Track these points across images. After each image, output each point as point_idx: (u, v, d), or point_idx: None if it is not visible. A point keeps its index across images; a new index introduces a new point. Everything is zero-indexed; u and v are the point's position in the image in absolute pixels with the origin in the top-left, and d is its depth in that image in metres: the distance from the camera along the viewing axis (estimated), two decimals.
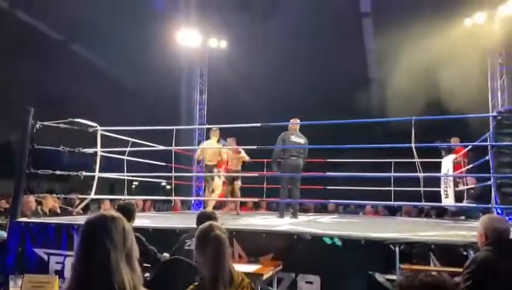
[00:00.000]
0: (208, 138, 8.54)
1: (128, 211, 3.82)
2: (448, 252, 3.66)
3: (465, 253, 3.53)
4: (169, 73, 12.40)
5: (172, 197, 8.94)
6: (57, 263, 4.82)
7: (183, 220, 5.81)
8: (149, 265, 3.80)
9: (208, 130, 11.08)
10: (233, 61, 12.34)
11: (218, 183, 7.72)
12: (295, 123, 6.81)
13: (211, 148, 7.81)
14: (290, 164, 6.54)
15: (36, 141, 5.59)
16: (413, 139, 5.27)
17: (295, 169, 6.58)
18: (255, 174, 7.49)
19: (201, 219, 3.42)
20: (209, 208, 7.43)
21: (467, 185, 7.64)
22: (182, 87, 12.79)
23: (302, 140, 6.76)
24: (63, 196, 7.08)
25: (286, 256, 4.07)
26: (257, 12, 12.08)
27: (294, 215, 6.64)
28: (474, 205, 7.14)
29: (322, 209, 10.91)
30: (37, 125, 5.55)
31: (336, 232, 4.26)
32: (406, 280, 1.08)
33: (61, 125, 5.96)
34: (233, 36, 11.61)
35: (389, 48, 10.67)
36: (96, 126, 6.50)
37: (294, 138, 6.65)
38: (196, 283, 2.12)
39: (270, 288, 3.89)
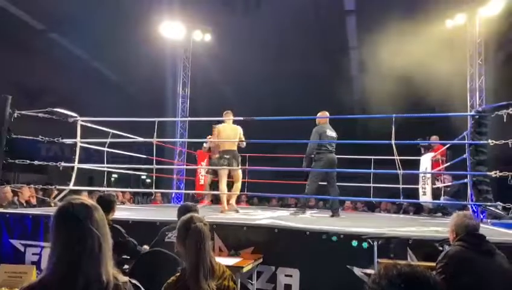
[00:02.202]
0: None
1: (108, 203, 3.80)
2: (425, 247, 3.73)
3: (441, 248, 3.61)
4: (153, 65, 12.28)
5: (153, 190, 8.87)
6: (33, 254, 4.74)
7: (164, 213, 5.79)
8: (128, 257, 3.78)
9: (191, 122, 11.12)
10: (217, 55, 12.28)
11: (239, 172, 6.86)
12: (325, 117, 6.50)
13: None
14: (328, 158, 6.22)
15: (14, 131, 5.48)
16: (393, 136, 5.35)
17: (332, 164, 6.28)
18: (237, 168, 7.47)
19: (182, 211, 3.41)
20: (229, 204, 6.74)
21: (444, 182, 7.80)
22: (166, 80, 12.69)
23: (335, 134, 6.47)
24: (40, 186, 6.94)
25: (266, 249, 4.10)
26: (241, 6, 12.03)
27: (335, 214, 6.36)
28: (451, 202, 7.30)
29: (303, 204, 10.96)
30: (15, 114, 5.44)
31: (316, 227, 4.31)
32: (385, 269, 1.10)
33: (40, 114, 5.84)
34: (217, 29, 11.54)
35: (371, 46, 10.78)
36: (76, 116, 6.40)
37: (329, 132, 6.35)
38: (177, 274, 2.13)
39: (250, 281, 3.92)
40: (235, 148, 6.69)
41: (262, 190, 9.65)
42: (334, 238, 3.91)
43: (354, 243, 3.83)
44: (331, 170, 6.25)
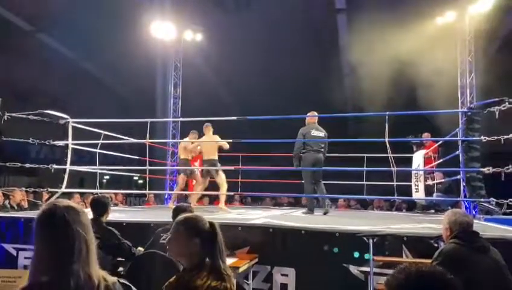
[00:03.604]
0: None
1: (103, 205, 3.76)
2: (420, 244, 3.75)
3: (435, 245, 3.63)
4: (144, 66, 12.19)
5: (147, 191, 8.82)
6: (26, 258, 4.68)
7: (157, 214, 5.76)
8: (123, 259, 3.74)
9: (183, 123, 11.07)
10: (209, 54, 12.23)
11: (223, 177, 7.30)
12: (313, 116, 6.65)
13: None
14: (311, 158, 6.39)
15: (4, 133, 5.43)
16: (386, 134, 5.37)
17: (316, 163, 6.42)
18: (231, 167, 7.48)
19: (177, 212, 3.39)
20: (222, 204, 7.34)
21: (435, 179, 7.85)
22: (157, 80, 12.61)
23: (322, 133, 6.58)
24: (32, 189, 6.87)
25: (262, 249, 4.09)
26: (232, 5, 12.00)
27: (326, 212, 6.55)
28: (444, 198, 7.35)
29: (296, 203, 11.01)
30: (5, 117, 5.38)
31: (311, 226, 4.31)
32: (405, 268, 1.09)
33: (30, 116, 5.78)
34: (208, 29, 11.50)
35: (362, 44, 10.81)
36: (68, 118, 6.35)
37: (314, 132, 6.49)
38: (178, 275, 2.10)
39: (246, 281, 3.90)
40: (215, 157, 7.29)
41: (255, 189, 9.65)
42: (336, 249, 3.89)
43: (356, 254, 3.82)
44: (328, 169, 6.30)
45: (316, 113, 6.69)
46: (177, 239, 2.10)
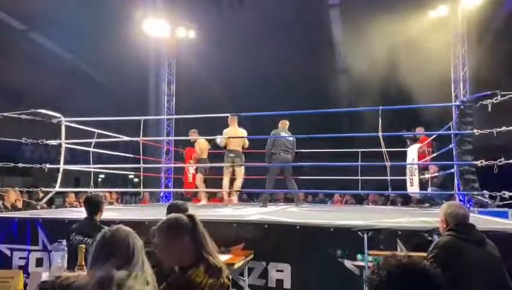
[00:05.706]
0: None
1: (96, 203, 3.74)
2: (414, 238, 3.76)
3: (430, 238, 3.64)
4: (137, 63, 12.13)
5: (141, 190, 8.80)
6: (20, 258, 4.66)
7: (152, 212, 5.75)
8: None
9: (177, 120, 11.05)
10: (202, 51, 12.19)
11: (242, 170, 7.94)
12: (284, 121, 7.29)
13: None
14: (279, 158, 7.07)
15: None
16: (380, 129, 5.38)
17: (284, 163, 7.11)
18: (227, 165, 7.46)
19: (172, 209, 3.37)
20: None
21: (430, 173, 7.87)
22: (150, 78, 12.56)
23: (290, 138, 7.28)
24: (25, 189, 6.83)
25: (257, 245, 4.09)
26: (225, 2, 11.96)
27: (297, 204, 7.42)
28: (438, 192, 7.37)
29: (292, 199, 10.99)
30: None
31: (305, 221, 4.31)
32: (384, 260, 1.09)
33: (23, 116, 5.74)
34: (201, 26, 11.44)
35: (356, 39, 10.81)
36: (61, 117, 6.30)
37: (283, 134, 7.15)
38: (174, 276, 2.09)
39: (242, 277, 3.90)
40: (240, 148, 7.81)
41: (251, 186, 9.63)
42: (339, 252, 3.89)
43: (359, 257, 3.78)
44: (323, 165, 6.42)
45: (287, 121, 7.33)
46: (163, 246, 2.10)
